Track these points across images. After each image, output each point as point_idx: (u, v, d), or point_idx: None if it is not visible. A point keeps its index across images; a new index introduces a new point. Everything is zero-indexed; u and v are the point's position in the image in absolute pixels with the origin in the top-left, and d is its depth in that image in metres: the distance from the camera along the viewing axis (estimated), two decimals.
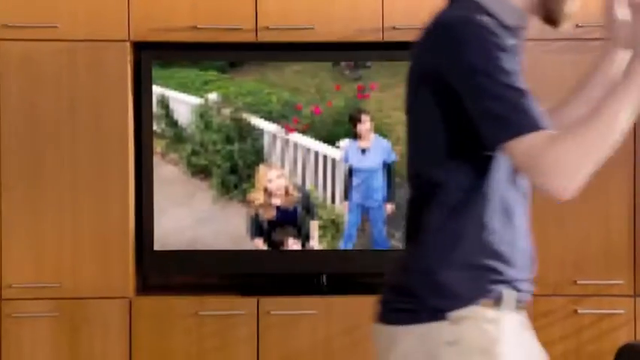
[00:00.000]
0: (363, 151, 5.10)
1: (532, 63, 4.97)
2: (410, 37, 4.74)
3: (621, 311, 5.00)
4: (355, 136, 5.11)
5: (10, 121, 4.96)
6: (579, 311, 5.00)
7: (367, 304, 4.69)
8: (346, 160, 5.13)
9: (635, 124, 4.99)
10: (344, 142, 5.10)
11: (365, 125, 5.09)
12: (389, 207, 5.13)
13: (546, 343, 4.67)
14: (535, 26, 4.82)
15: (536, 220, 4.79)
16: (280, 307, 5.02)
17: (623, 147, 4.76)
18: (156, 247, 5.11)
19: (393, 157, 5.12)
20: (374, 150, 5.11)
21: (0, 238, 4.93)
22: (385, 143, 5.10)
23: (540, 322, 4.97)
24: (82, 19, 4.96)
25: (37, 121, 4.97)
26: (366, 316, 4.73)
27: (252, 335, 5.01)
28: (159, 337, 5.02)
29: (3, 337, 4.92)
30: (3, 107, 4.92)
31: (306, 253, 5.18)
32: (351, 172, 5.15)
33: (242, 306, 5.02)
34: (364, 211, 5.14)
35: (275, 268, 5.27)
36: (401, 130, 5.08)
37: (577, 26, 4.95)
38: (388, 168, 5.14)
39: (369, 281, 5.35)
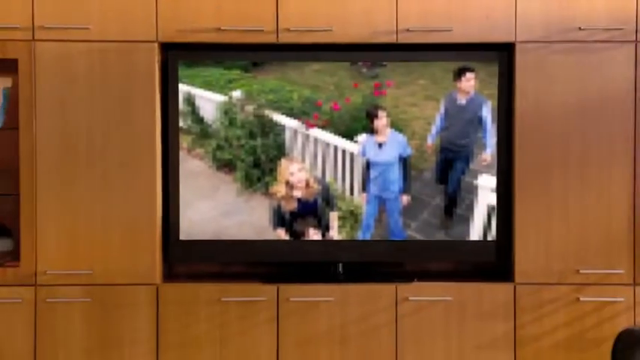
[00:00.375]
0: (380, 145, 5.17)
1: (538, 62, 5.15)
2: (422, 38, 4.83)
3: (621, 299, 5.08)
4: (372, 131, 5.18)
5: (45, 118, 5.09)
6: (581, 299, 5.09)
7: (382, 292, 5.20)
8: (364, 153, 5.19)
9: (634, 117, 5.12)
10: (361, 137, 5.18)
11: (381, 121, 5.16)
12: (405, 198, 5.20)
13: (551, 329, 5.15)
14: (541, 28, 5.20)
15: (541, 213, 5.17)
16: (299, 294, 5.11)
17: (623, 141, 5.16)
18: (182, 237, 5.22)
19: (409, 151, 5.17)
20: (390, 144, 5.18)
21: (35, 228, 5.04)
22: (401, 138, 5.17)
23: (545, 310, 5.11)
24: (112, 21, 5.07)
25: (70, 118, 5.09)
26: (381, 303, 5.28)
27: (272, 320, 5.10)
28: (184, 322, 5.12)
29: (38, 321, 5.06)
30: (38, 104, 5.04)
31: (325, 243, 5.24)
32: (368, 166, 5.21)
33: (263, 293, 5.12)
34: (381, 202, 5.20)
35: (296, 257, 5.32)
36: (416, 125, 5.17)
37: (580, 29, 5.04)
38: (404, 161, 5.20)
39: (384, 270, 5.43)
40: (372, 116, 5.20)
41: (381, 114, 5.21)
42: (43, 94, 5.10)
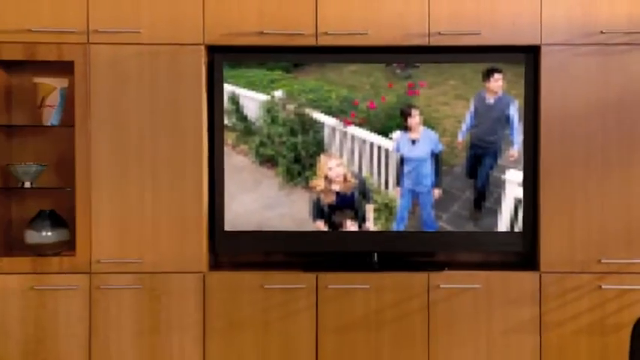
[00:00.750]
0: (413, 141, 5.25)
1: (563, 64, 5.22)
2: (453, 41, 5.00)
3: None
4: (406, 128, 5.25)
5: (99, 116, 5.20)
6: (603, 287, 5.17)
7: (415, 280, 5.28)
8: (398, 150, 5.27)
9: None
10: (396, 134, 5.25)
11: (415, 119, 5.24)
12: (436, 192, 5.28)
13: (574, 315, 5.20)
14: (565, 32, 5.26)
15: (565, 205, 5.24)
16: (337, 281, 5.21)
17: None
18: (226, 228, 5.31)
19: (440, 147, 5.24)
20: (423, 141, 5.26)
21: (90, 220, 5.17)
22: (433, 135, 5.24)
23: (569, 297, 5.17)
24: (162, 25, 5.18)
25: (123, 116, 5.20)
26: (414, 291, 5.37)
27: (312, 307, 5.21)
28: (229, 308, 5.23)
29: (93, 307, 5.20)
30: (93, 103, 5.17)
31: (362, 234, 5.31)
32: (402, 161, 5.29)
33: (303, 281, 5.22)
34: (414, 195, 5.28)
35: (334, 247, 5.39)
36: (447, 123, 5.22)
37: (602, 32, 5.12)
38: (436, 157, 5.28)
39: (417, 259, 5.53)
40: (405, 115, 5.24)
41: (415, 112, 5.25)
42: (97, 93, 5.21)
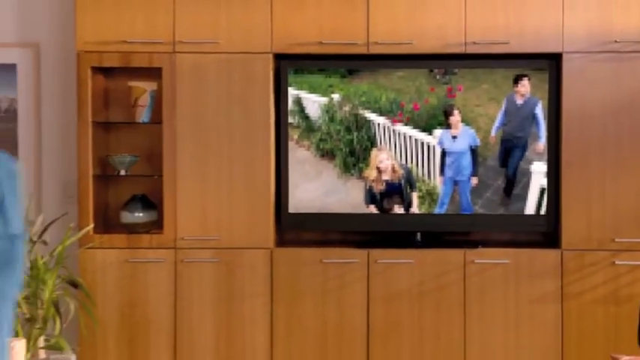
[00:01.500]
0: (454, 137, 5.46)
1: (581, 69, 5.36)
2: (486, 50, 5.27)
3: None
4: (448, 125, 5.44)
5: (183, 114, 5.42)
6: (617, 262, 5.33)
7: (452, 256, 5.43)
8: (441, 144, 5.46)
9: None
10: (438, 131, 5.45)
11: (455, 117, 5.44)
12: (474, 180, 5.50)
13: (591, 287, 5.37)
14: (584, 41, 5.32)
15: (583, 192, 5.36)
16: (385, 257, 5.39)
17: None
18: (290, 211, 5.53)
19: (477, 142, 5.46)
20: (462, 136, 5.46)
21: (175, 203, 5.41)
22: (470, 131, 5.44)
23: (586, 271, 5.34)
24: (237, 36, 5.39)
25: (203, 115, 5.42)
26: (451, 265, 5.43)
27: (364, 279, 5.40)
28: (292, 279, 5.43)
29: (177, 277, 5.43)
30: (178, 103, 5.41)
31: (407, 216, 5.51)
32: (444, 154, 5.47)
33: (356, 256, 5.40)
34: (455, 183, 5.49)
35: (383, 227, 5.56)
36: (481, 122, 5.44)
37: (616, 42, 5.29)
38: (473, 150, 5.47)
39: (454, 238, 5.69)
40: (448, 114, 5.43)
41: (455, 112, 5.43)
42: (182, 95, 5.41)
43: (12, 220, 2.22)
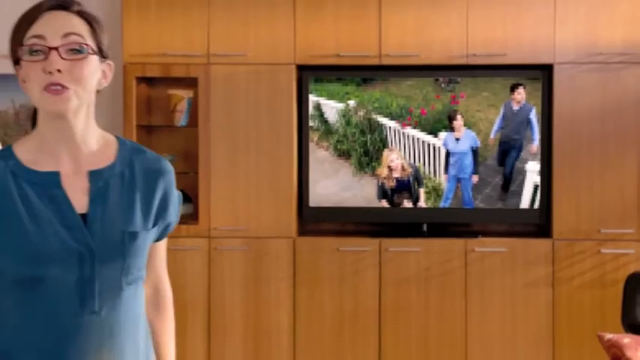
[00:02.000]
0: (457, 139, 5.57)
1: (571, 79, 5.45)
2: (485, 61, 5.52)
3: (632, 251, 5.44)
4: (452, 129, 5.55)
5: (216, 119, 5.51)
6: (602, 251, 5.45)
7: (455, 245, 5.48)
8: (445, 145, 5.56)
9: None
10: (443, 134, 5.55)
11: (459, 122, 5.56)
12: (475, 178, 5.60)
13: (579, 273, 5.44)
14: (573, 53, 5.34)
15: (573, 188, 5.40)
16: (395, 246, 5.52)
17: (633, 136, 5.34)
18: (311, 204, 5.65)
19: (478, 143, 5.56)
20: (464, 139, 5.58)
21: (209, 197, 5.54)
22: (472, 134, 5.55)
23: (575, 259, 5.45)
24: (263, 50, 5.52)
25: (234, 119, 5.55)
26: (454, 253, 5.48)
27: (376, 265, 5.53)
28: (313, 265, 5.56)
29: (211, 264, 5.56)
30: (212, 109, 5.54)
31: (415, 209, 5.61)
32: (448, 154, 5.57)
33: (369, 245, 5.53)
34: (458, 180, 5.59)
35: (393, 219, 5.67)
36: (482, 125, 5.53)
37: (601, 54, 5.41)
38: (474, 151, 5.59)
39: (457, 229, 5.77)
40: (451, 118, 5.55)
41: (458, 117, 5.54)
42: (215, 102, 5.54)
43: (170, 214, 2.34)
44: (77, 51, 2.13)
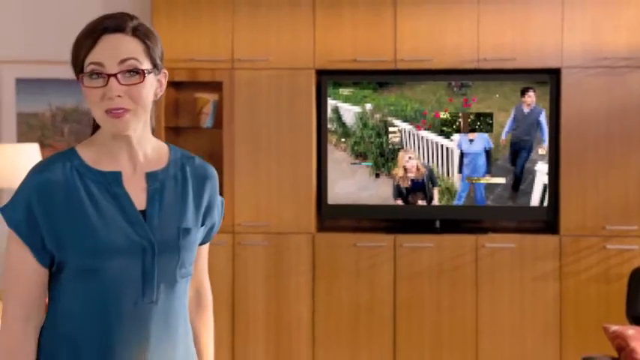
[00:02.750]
0: (471, 141, 5.64)
1: (578, 83, 5.51)
2: (496, 65, 5.54)
3: (635, 247, 5.52)
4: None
5: (240, 121, 5.64)
6: (607, 247, 5.53)
7: (467, 241, 5.56)
8: (459, 147, 5.62)
9: None
10: (456, 136, 5.63)
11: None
12: (487, 177, 5.66)
13: (585, 268, 5.52)
14: (580, 58, 5.43)
15: (579, 187, 5.48)
16: (409, 241, 5.61)
17: (638, 137, 5.43)
18: (330, 202, 5.74)
19: (490, 144, 5.63)
20: (477, 140, 5.65)
21: (233, 195, 5.64)
22: (485, 136, 5.63)
23: (581, 254, 5.52)
24: (284, 55, 5.62)
25: (257, 121, 5.63)
26: (466, 249, 5.55)
27: (391, 260, 5.62)
28: (331, 260, 5.64)
29: (235, 258, 5.67)
30: (235, 112, 5.63)
31: (429, 207, 5.70)
32: (462, 155, 5.64)
33: (385, 241, 5.63)
34: (471, 180, 5.64)
35: (408, 216, 5.75)
36: (494, 127, 5.60)
37: (606, 58, 5.47)
38: (487, 152, 5.65)
39: (469, 226, 5.86)
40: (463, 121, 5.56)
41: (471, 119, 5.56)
42: (239, 105, 5.65)
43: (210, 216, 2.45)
44: (134, 72, 2.21)
